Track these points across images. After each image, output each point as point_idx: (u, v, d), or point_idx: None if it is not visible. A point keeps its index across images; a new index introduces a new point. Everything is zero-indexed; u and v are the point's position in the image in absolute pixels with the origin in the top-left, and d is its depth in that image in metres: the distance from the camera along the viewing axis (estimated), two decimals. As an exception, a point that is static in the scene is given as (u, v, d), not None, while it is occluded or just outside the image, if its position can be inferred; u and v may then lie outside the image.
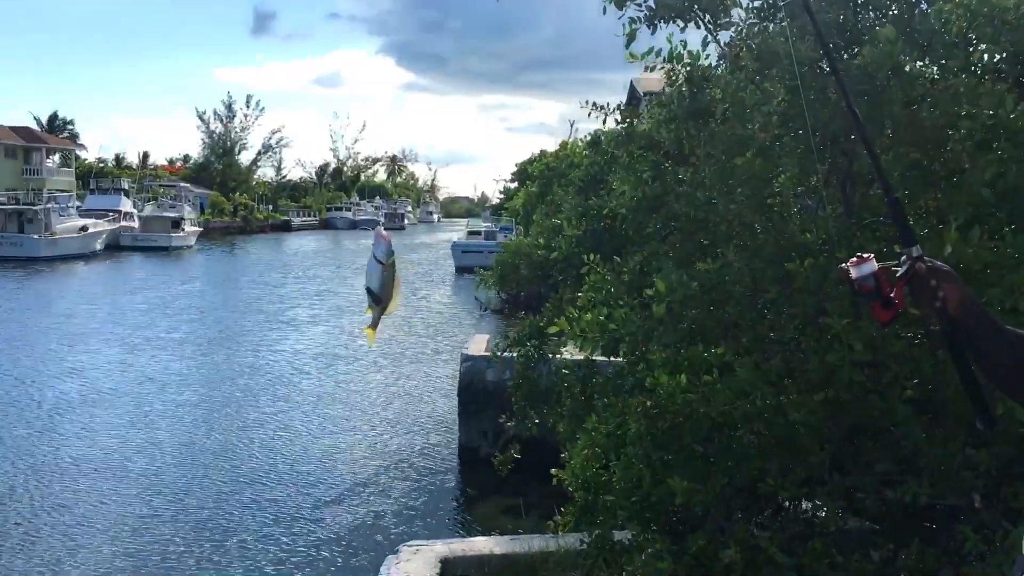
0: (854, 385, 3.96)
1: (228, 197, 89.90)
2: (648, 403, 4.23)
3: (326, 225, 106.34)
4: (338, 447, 13.21)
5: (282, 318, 26.45)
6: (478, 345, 11.27)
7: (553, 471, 4.96)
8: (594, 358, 5.41)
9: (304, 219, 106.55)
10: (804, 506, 4.30)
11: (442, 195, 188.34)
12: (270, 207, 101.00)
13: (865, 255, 1.99)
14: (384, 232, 2.69)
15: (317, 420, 14.69)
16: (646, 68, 4.80)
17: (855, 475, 4.31)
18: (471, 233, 47.90)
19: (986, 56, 3.81)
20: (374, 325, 2.74)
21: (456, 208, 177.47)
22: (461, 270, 39.58)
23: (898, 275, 1.96)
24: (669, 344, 4.24)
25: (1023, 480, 3.68)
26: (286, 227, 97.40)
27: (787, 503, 4.31)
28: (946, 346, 2.02)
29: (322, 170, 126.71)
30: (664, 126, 4.92)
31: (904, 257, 1.98)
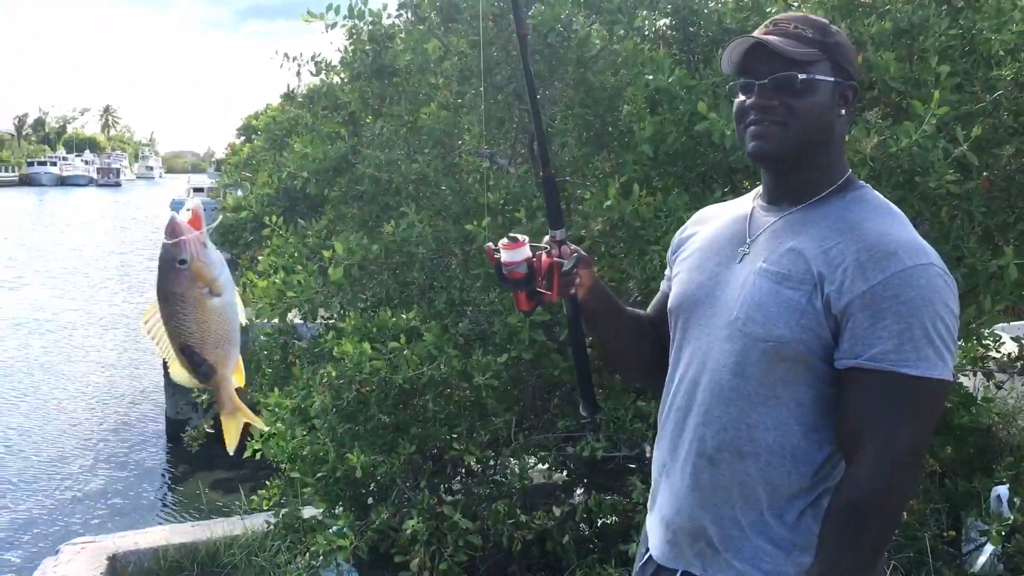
0: (535, 345, 3.98)
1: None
2: (334, 374, 4.03)
3: (28, 181, 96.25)
4: (20, 429, 11.85)
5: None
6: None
7: (249, 444, 4.62)
8: (296, 322, 5.12)
9: (1, 175, 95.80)
10: (493, 468, 4.30)
11: (164, 150, 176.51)
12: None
13: (519, 237, 1.81)
14: (188, 212, 1.56)
15: (6, 396, 13.15)
16: (327, 26, 4.53)
17: (539, 433, 4.38)
18: (195, 190, 45.20)
19: (647, 22, 3.89)
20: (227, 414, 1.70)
21: (180, 163, 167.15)
22: (182, 230, 37.17)
23: (564, 268, 1.80)
24: (347, 310, 4.05)
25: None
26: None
27: (476, 466, 4.30)
28: (568, 330, 1.97)
29: (21, 121, 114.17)
30: (348, 86, 4.68)
31: (548, 238, 1.87)
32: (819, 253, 1.55)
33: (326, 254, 3.94)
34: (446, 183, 4.46)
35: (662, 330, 1.86)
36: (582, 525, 4.13)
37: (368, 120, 5.03)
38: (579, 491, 4.25)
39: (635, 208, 3.63)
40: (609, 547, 4.04)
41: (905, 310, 1.46)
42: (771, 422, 1.58)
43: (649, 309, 1.98)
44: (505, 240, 1.81)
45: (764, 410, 1.58)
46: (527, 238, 1.83)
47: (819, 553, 1.52)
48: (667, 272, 1.91)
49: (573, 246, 1.86)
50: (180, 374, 1.63)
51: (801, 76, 1.59)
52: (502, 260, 1.81)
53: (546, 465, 4.37)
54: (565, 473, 4.40)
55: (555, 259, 1.82)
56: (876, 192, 1.66)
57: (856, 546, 1.49)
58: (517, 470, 4.14)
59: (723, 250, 1.72)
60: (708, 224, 1.84)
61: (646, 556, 1.82)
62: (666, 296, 1.86)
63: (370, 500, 4.17)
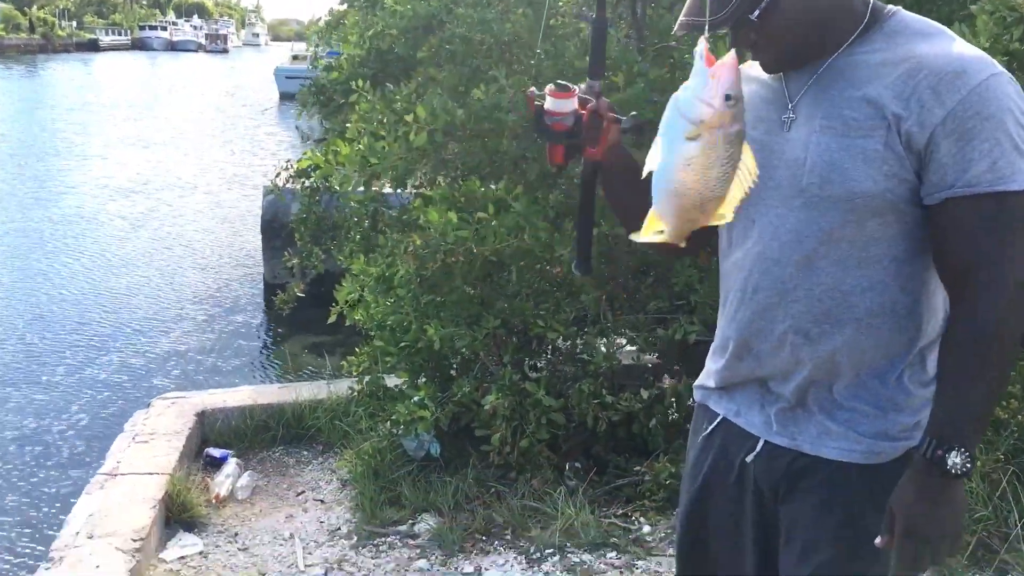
0: (629, 221, 3.77)
1: (24, 12, 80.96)
2: (418, 242, 3.91)
3: (139, 46, 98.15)
4: (124, 287, 12.29)
5: (84, 149, 24.38)
6: (285, 177, 10.56)
7: (333, 308, 4.59)
8: (386, 191, 5.01)
9: (114, 38, 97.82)
10: (580, 347, 4.17)
11: (270, 18, 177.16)
12: (73, 23, 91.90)
13: (569, 86, 1.64)
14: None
15: (113, 257, 13.66)
16: None
17: (629, 313, 4.21)
18: (295, 58, 45.24)
19: None
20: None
21: (286, 31, 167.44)
22: (285, 97, 37.54)
23: (623, 125, 1.67)
24: (433, 177, 3.89)
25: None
26: (93, 46, 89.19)
27: (562, 345, 4.17)
28: (583, 186, 1.81)
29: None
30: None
31: (586, 87, 1.68)
32: (883, 92, 1.44)
33: (408, 119, 3.76)
34: (542, 46, 4.18)
35: None
36: (670, 411, 3.99)
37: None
38: (668, 376, 4.09)
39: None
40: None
41: (990, 126, 1.38)
42: (867, 283, 1.50)
43: None
44: (551, 87, 1.63)
45: (859, 273, 1.50)
46: (576, 88, 1.64)
47: (945, 392, 1.44)
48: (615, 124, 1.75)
49: (604, 99, 1.72)
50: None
51: (753, 15, 1.48)
52: (546, 108, 1.63)
53: (635, 347, 4.21)
54: (655, 356, 4.23)
55: (606, 113, 1.66)
56: (909, 13, 1.54)
57: (984, 378, 1.42)
58: (604, 350, 3.99)
59: (765, 118, 1.59)
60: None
61: (716, 422, 1.74)
62: None
63: (453, 372, 4.11)
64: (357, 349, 4.36)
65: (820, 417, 1.57)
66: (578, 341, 4.16)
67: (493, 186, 4.14)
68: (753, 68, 1.66)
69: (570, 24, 4.30)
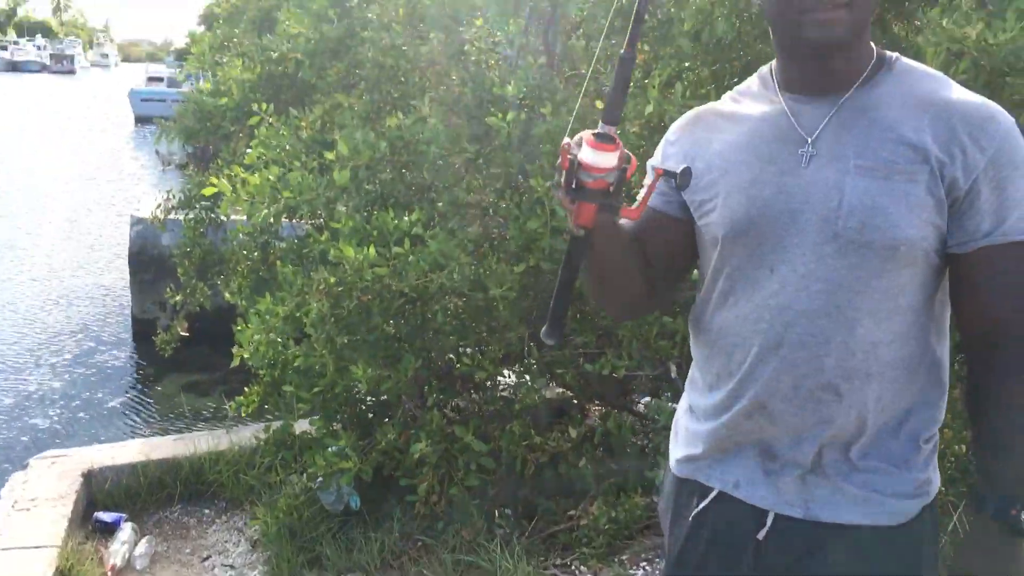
0: (555, 254, 3.62)
1: None
2: (332, 280, 3.65)
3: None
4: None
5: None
6: (152, 206, 9.89)
7: (235, 351, 4.25)
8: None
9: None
10: (504, 383, 4.00)
11: (120, 38, 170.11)
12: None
13: (611, 136, 1.35)
14: None
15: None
16: None
17: (555, 349, 4.06)
18: (151, 79, 43.60)
19: None
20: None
21: (136, 52, 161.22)
22: (140, 120, 36.10)
23: (679, 181, 1.43)
24: (356, 213, 3.65)
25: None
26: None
27: (488, 383, 3.98)
28: (575, 248, 1.48)
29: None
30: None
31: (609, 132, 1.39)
32: (922, 135, 1.37)
33: (328, 155, 3.51)
34: (456, 72, 4.01)
35: (651, 253, 1.59)
36: (598, 449, 3.86)
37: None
38: (598, 411, 3.97)
39: (677, 109, 3.22)
40: (629, 472, 3.79)
41: (1019, 175, 1.36)
42: (891, 335, 1.42)
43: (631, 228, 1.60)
44: (590, 136, 1.34)
45: (888, 324, 1.42)
46: (618, 139, 1.35)
47: (1008, 449, 1.40)
48: (652, 182, 1.52)
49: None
50: None
51: None
52: (584, 161, 1.34)
53: (563, 383, 4.07)
54: (583, 392, 4.10)
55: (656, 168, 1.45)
56: (909, 59, 1.50)
57: None
58: (532, 387, 3.83)
59: (776, 156, 1.45)
60: (723, 131, 1.54)
61: (710, 497, 1.56)
62: (658, 212, 1.58)
63: (370, 419, 3.85)
64: (246, 388, 4.04)
65: (836, 480, 1.46)
66: (505, 379, 3.98)
67: (406, 218, 3.93)
68: (740, 105, 1.53)
69: (486, 50, 4.15)
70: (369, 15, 4.40)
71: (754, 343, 1.48)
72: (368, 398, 3.85)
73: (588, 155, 1.35)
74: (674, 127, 1.62)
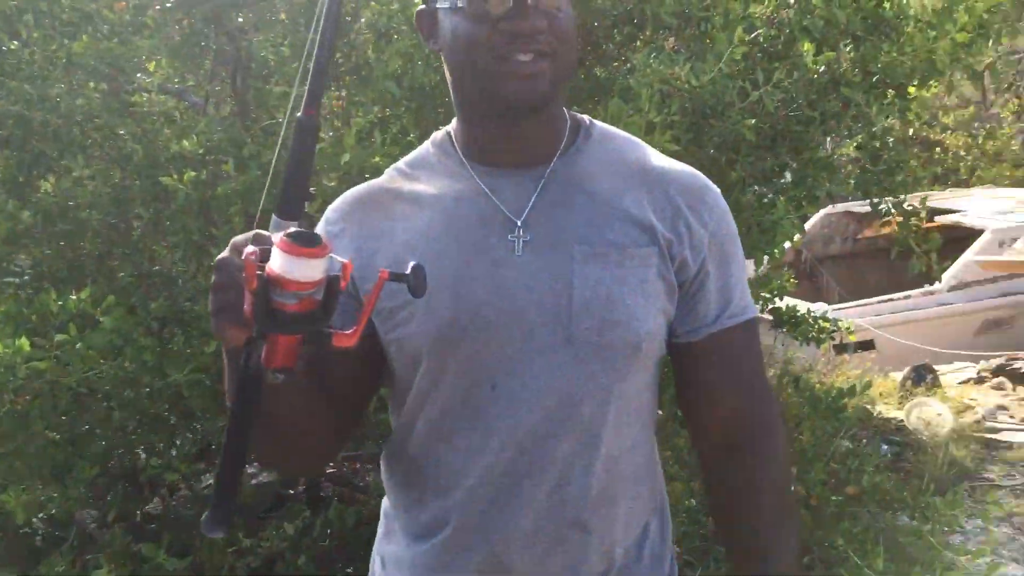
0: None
1: None
2: (-28, 382, 3.00)
3: None
4: None
5: None
6: None
7: None
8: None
9: None
10: (203, 484, 3.50)
11: None
12: None
13: (319, 237, 0.96)
14: None
15: None
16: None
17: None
18: None
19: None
20: None
21: None
22: None
23: (409, 280, 1.00)
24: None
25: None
26: None
27: (182, 484, 3.46)
28: (244, 391, 1.02)
29: None
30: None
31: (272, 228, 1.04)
32: (644, 210, 1.20)
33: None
34: (123, 126, 3.51)
35: (334, 381, 1.22)
36: (321, 542, 3.45)
37: (10, 45, 3.88)
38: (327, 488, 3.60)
39: (380, 159, 2.95)
40: (358, 559, 3.42)
41: (737, 247, 1.27)
42: (629, 443, 1.25)
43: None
44: (284, 238, 0.95)
45: (627, 432, 1.24)
46: (321, 237, 0.96)
47: (768, 533, 1.29)
48: (375, 289, 1.02)
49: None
50: None
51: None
52: (280, 278, 0.94)
53: (273, 474, 3.64)
54: (297, 482, 3.70)
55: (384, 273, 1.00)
56: (601, 121, 1.33)
57: (794, 514, 1.42)
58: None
59: (483, 245, 1.19)
60: (407, 216, 1.23)
61: None
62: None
63: (41, 546, 3.21)
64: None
65: None
66: (202, 477, 3.49)
67: (73, 297, 3.35)
68: (420, 182, 1.24)
69: (156, 102, 3.67)
70: (20, 59, 3.78)
71: (480, 482, 1.20)
72: (33, 520, 3.20)
73: (284, 265, 0.94)
74: (333, 212, 1.27)
